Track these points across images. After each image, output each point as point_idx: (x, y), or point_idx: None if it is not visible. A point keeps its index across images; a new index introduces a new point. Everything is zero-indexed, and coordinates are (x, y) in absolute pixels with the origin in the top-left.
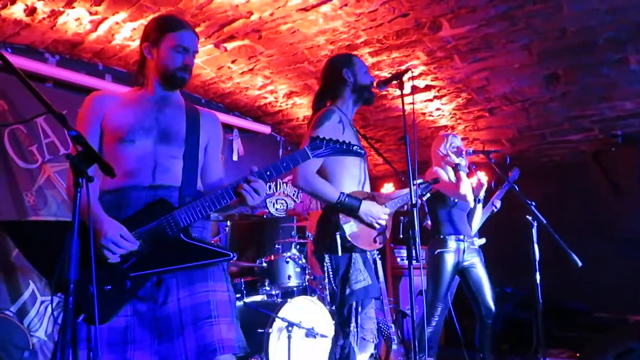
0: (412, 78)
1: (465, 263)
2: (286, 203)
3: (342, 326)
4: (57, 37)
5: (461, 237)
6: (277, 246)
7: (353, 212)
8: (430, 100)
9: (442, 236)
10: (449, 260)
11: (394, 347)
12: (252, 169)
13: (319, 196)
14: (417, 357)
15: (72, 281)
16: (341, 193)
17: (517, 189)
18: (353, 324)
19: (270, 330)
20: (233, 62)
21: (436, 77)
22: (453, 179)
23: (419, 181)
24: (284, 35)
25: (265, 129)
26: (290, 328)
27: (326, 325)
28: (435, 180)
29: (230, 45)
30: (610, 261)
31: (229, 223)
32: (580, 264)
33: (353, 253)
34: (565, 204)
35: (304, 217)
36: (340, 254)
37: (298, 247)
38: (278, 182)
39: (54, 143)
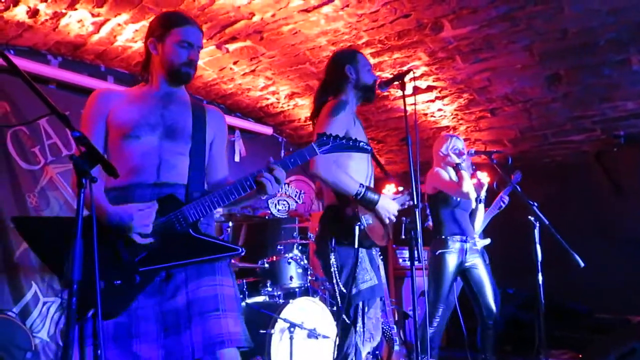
0: (414, 79)
1: (467, 264)
2: (288, 204)
3: (347, 326)
4: (60, 38)
5: (464, 237)
6: (279, 247)
7: (371, 205)
8: (432, 101)
9: (443, 237)
10: (451, 261)
11: (396, 348)
12: (270, 159)
13: (339, 186)
14: (419, 358)
15: (75, 281)
16: (360, 184)
17: (520, 189)
18: (359, 324)
19: (273, 331)
20: (235, 63)
21: (438, 78)
22: (454, 178)
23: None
24: (286, 36)
25: (267, 130)
26: (292, 329)
27: (328, 326)
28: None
29: (232, 47)
30: (613, 262)
31: (231, 224)
32: (582, 264)
33: (360, 250)
34: (568, 205)
35: (305, 218)
36: (356, 246)
37: (300, 248)
38: None
39: (56, 144)
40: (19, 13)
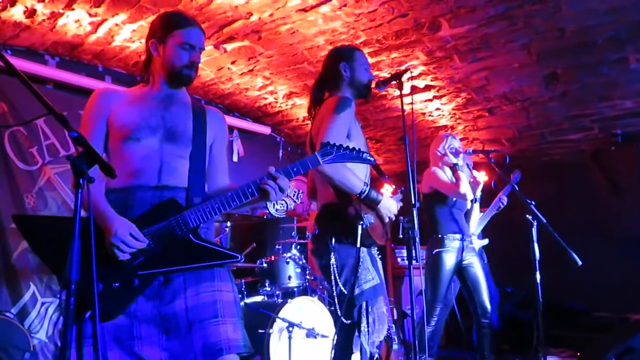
0: (412, 78)
1: (464, 262)
2: (286, 204)
3: (349, 327)
4: (57, 38)
5: (461, 236)
6: (277, 247)
7: (374, 204)
8: (430, 100)
9: (439, 236)
10: (448, 260)
11: (395, 347)
12: (270, 168)
13: (345, 184)
14: (418, 357)
15: (73, 282)
16: (365, 183)
17: (517, 188)
18: (364, 324)
19: (271, 331)
20: (233, 63)
21: (436, 77)
22: (452, 179)
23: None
24: (284, 36)
25: (265, 130)
26: (290, 328)
27: (327, 325)
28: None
29: (229, 46)
30: (611, 260)
31: (229, 224)
32: (580, 263)
33: (361, 250)
34: (565, 203)
35: (304, 217)
36: (358, 245)
37: (298, 247)
38: None
39: (54, 145)
40: (16, 13)
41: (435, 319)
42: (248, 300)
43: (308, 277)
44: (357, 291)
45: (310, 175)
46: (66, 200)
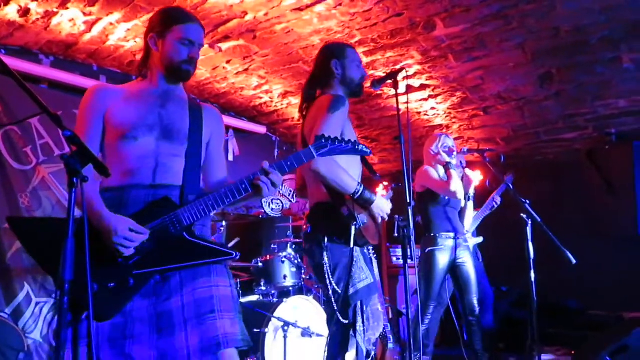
0: (407, 77)
1: (457, 261)
2: (282, 203)
3: (344, 326)
4: (51, 38)
5: (454, 234)
6: (272, 246)
7: (368, 204)
8: (425, 99)
9: (433, 234)
10: (441, 258)
11: (390, 346)
12: (264, 163)
13: (338, 184)
14: (413, 355)
15: (67, 281)
16: (359, 183)
17: (512, 187)
18: (359, 324)
19: (266, 330)
20: (228, 62)
21: (431, 77)
22: (444, 177)
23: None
24: (279, 35)
25: (261, 129)
26: (286, 328)
27: (322, 324)
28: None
29: (225, 46)
30: (605, 259)
31: (224, 223)
32: (574, 261)
33: (355, 250)
34: (560, 202)
35: (299, 217)
36: (352, 245)
37: (294, 246)
38: None
39: (48, 144)
40: (10, 12)
41: (429, 317)
42: (243, 300)
43: (303, 276)
44: (351, 290)
45: (299, 172)
46: (60, 200)
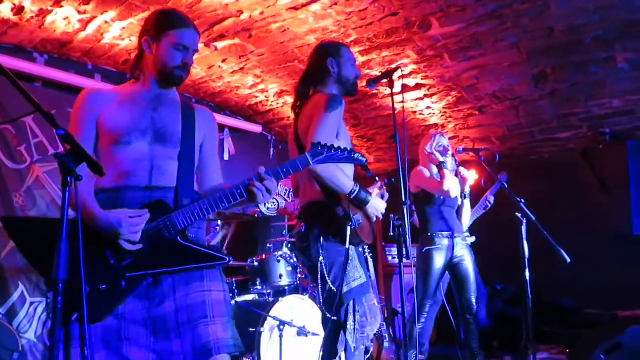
0: (403, 77)
1: (455, 259)
2: (277, 202)
3: (338, 324)
4: (46, 36)
5: (451, 233)
6: (268, 245)
7: (363, 204)
8: (421, 98)
9: (429, 234)
10: (438, 258)
11: (386, 345)
12: (260, 169)
13: (335, 183)
14: (408, 354)
15: (61, 281)
16: (355, 184)
17: (507, 186)
18: (350, 322)
19: (262, 330)
20: (223, 61)
21: (426, 76)
22: (438, 177)
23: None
24: (275, 34)
25: (257, 128)
26: (282, 327)
27: (318, 323)
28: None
29: (220, 45)
30: (599, 258)
31: (219, 222)
32: (569, 260)
33: (350, 248)
34: (554, 201)
35: (295, 216)
36: (347, 246)
37: (289, 246)
38: None
39: (42, 143)
40: (4, 10)
41: (425, 315)
42: (239, 299)
43: (299, 275)
44: (345, 289)
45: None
46: (55, 199)
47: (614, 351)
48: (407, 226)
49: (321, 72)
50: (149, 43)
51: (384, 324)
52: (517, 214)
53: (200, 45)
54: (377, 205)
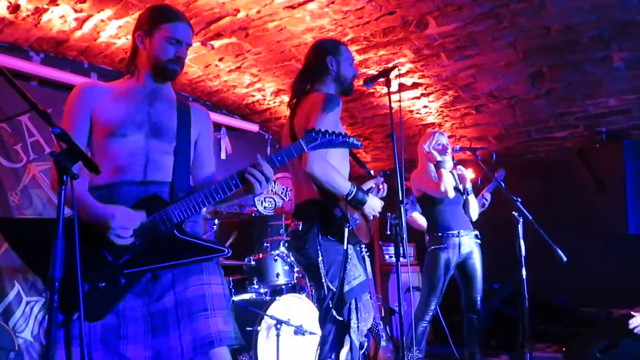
0: (399, 76)
1: (463, 257)
2: (274, 201)
3: (340, 323)
4: (42, 34)
5: (456, 232)
6: (265, 244)
7: (360, 205)
8: (418, 97)
9: (435, 233)
10: (444, 257)
11: (383, 344)
12: (257, 156)
13: (332, 185)
14: (413, 351)
15: (57, 279)
16: (352, 185)
17: (503, 185)
18: (354, 320)
19: (259, 328)
20: (220, 60)
21: (423, 75)
22: (435, 177)
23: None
24: (271, 33)
25: (253, 127)
26: (279, 326)
27: (315, 322)
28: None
29: (217, 43)
30: (596, 256)
31: (216, 221)
32: (565, 259)
33: (349, 248)
34: (551, 200)
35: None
36: (345, 247)
37: (287, 245)
38: None
39: (38, 142)
40: (0, 8)
41: (431, 314)
42: (236, 298)
43: (296, 274)
44: (346, 288)
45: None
46: (51, 198)
47: (610, 349)
48: (403, 225)
49: (319, 69)
50: (142, 38)
51: (381, 322)
52: (513, 212)
53: (197, 44)
54: (373, 204)
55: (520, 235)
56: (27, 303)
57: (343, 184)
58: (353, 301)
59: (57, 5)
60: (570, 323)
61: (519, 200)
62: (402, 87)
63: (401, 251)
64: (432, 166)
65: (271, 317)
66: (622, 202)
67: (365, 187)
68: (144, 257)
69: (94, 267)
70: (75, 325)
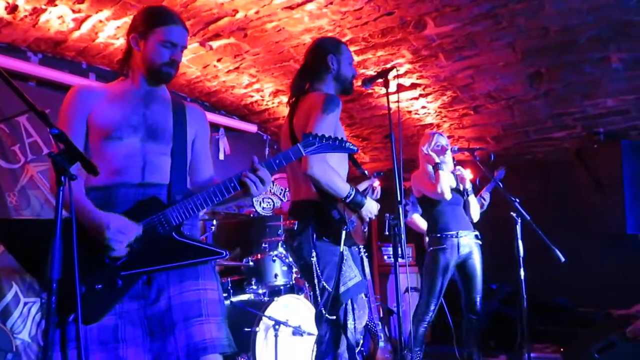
0: (398, 76)
1: (461, 257)
2: (273, 202)
3: (335, 324)
4: (40, 35)
5: (455, 232)
6: (263, 245)
7: (358, 207)
8: (416, 98)
9: (434, 234)
10: (444, 257)
11: (381, 344)
12: (254, 159)
13: (331, 187)
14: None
15: (55, 280)
16: (351, 187)
17: (502, 186)
18: (350, 321)
19: (257, 329)
20: (219, 60)
21: (421, 76)
22: (433, 178)
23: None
24: (270, 33)
25: (252, 128)
26: (277, 327)
27: (313, 323)
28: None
29: (215, 44)
30: (593, 257)
31: (215, 222)
32: (563, 259)
33: (345, 249)
34: (549, 201)
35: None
36: (341, 249)
37: (285, 246)
38: None
39: (36, 142)
40: None
41: (431, 315)
42: (234, 299)
43: (294, 275)
44: (342, 289)
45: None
46: (49, 199)
47: (608, 349)
48: (402, 226)
49: (320, 67)
50: (136, 40)
51: (380, 323)
52: (512, 213)
53: (195, 45)
54: (370, 207)
55: (519, 235)
56: (25, 304)
57: (342, 186)
58: (349, 302)
59: (55, 5)
60: (568, 323)
61: (517, 200)
62: (400, 88)
63: (400, 252)
64: (430, 167)
65: (269, 317)
66: (620, 202)
67: (360, 188)
68: (142, 259)
69: (90, 268)
70: (71, 328)
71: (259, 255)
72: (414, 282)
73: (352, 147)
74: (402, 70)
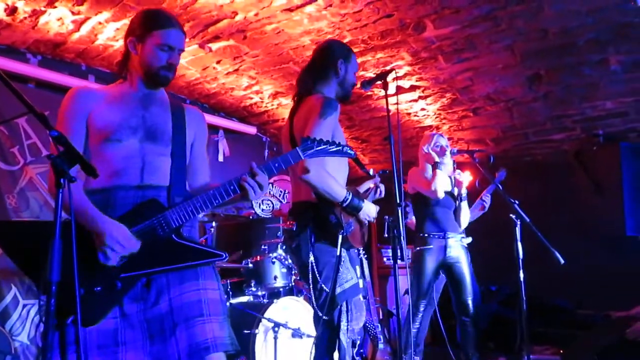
0: (397, 78)
1: (449, 260)
2: (272, 204)
3: (331, 325)
4: (39, 37)
5: (442, 233)
6: (263, 247)
7: (355, 211)
8: (415, 100)
9: (422, 234)
10: (430, 258)
11: (381, 346)
12: (252, 164)
13: (327, 192)
14: (403, 355)
15: (54, 283)
16: (347, 191)
17: (501, 188)
18: (344, 323)
19: (257, 331)
20: (218, 62)
21: (421, 78)
22: (429, 177)
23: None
24: (269, 35)
25: (251, 130)
26: (276, 329)
27: (312, 325)
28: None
29: (215, 46)
30: (593, 259)
31: (214, 224)
32: (562, 261)
33: (343, 251)
34: (548, 203)
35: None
36: (338, 252)
37: (284, 247)
38: None
39: (35, 144)
40: None
41: (420, 315)
42: (234, 301)
43: (294, 277)
44: (338, 290)
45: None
46: (48, 201)
47: (607, 352)
48: (401, 227)
49: (328, 69)
50: (134, 43)
51: (379, 325)
52: (511, 215)
53: (195, 47)
54: (368, 210)
55: (518, 237)
56: (24, 306)
57: (338, 191)
58: (344, 303)
59: (55, 7)
60: (568, 325)
61: (517, 202)
62: (399, 90)
63: (399, 254)
64: (429, 166)
65: (269, 319)
66: (619, 204)
67: (363, 187)
68: (142, 261)
69: (89, 270)
70: (70, 330)
71: (258, 257)
72: None
73: (349, 151)
74: (401, 72)
